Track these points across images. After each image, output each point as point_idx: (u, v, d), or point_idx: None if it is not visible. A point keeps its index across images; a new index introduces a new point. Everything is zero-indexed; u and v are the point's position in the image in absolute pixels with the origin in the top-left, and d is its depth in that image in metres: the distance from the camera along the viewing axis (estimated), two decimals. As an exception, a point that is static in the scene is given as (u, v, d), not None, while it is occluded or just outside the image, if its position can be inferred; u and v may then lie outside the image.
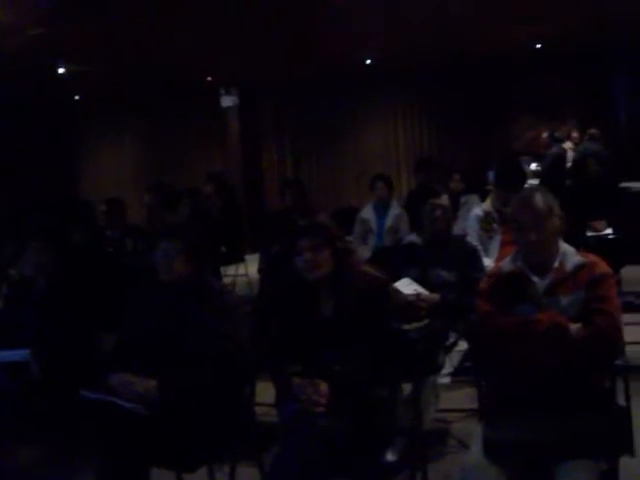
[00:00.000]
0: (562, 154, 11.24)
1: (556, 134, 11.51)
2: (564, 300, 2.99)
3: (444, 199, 4.75)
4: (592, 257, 3.11)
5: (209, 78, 12.72)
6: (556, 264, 3.05)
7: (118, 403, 3.16)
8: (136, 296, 3.85)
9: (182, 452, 3.18)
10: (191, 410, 3.21)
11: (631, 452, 3.99)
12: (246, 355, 3.42)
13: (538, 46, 11.67)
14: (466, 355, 4.31)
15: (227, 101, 13.31)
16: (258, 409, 3.84)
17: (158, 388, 3.22)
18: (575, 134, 11.84)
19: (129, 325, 3.63)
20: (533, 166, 11.93)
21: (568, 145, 11.63)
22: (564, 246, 3.11)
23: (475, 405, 3.62)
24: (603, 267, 3.07)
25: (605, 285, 3.01)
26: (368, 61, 12.07)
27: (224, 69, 12.03)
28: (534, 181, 10.59)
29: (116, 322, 3.79)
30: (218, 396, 3.29)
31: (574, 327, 2.90)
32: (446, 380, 4.33)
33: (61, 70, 10.25)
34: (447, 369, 4.28)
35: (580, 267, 3.04)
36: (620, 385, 4.03)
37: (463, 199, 7.16)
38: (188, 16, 7.66)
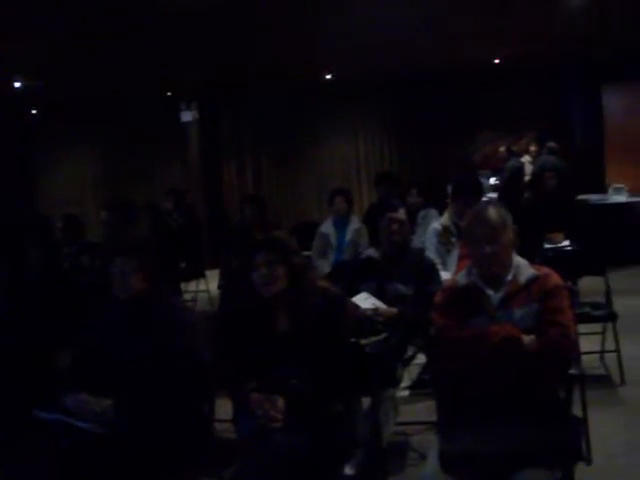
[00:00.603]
0: (519, 167, 11.37)
1: (513, 148, 11.65)
2: (518, 312, 3.03)
3: (401, 213, 4.76)
4: (545, 269, 3.15)
5: (169, 93, 12.68)
6: (510, 277, 3.09)
7: (74, 423, 3.12)
8: (92, 313, 3.81)
9: (140, 471, 3.14)
10: (148, 429, 3.17)
11: (588, 460, 4.07)
12: (204, 372, 3.40)
13: (496, 61, 11.83)
14: (424, 368, 4.32)
15: (187, 116, 13.27)
16: (217, 425, 3.83)
17: (114, 407, 3.19)
18: (533, 148, 11.99)
19: (85, 343, 3.59)
20: (492, 180, 12.07)
21: (526, 159, 11.77)
22: (517, 259, 3.15)
23: (434, 418, 3.64)
24: (556, 279, 3.11)
25: (558, 297, 3.06)
26: (328, 76, 12.12)
27: (184, 84, 12.01)
28: (493, 195, 10.71)
29: (71, 340, 3.74)
30: (175, 414, 3.26)
31: (527, 339, 2.94)
32: (405, 393, 4.34)
33: (17, 84, 10.16)
34: (406, 382, 4.29)
35: (533, 279, 3.08)
36: (577, 395, 4.11)
37: (422, 213, 7.19)
38: (148, 31, 7.63)
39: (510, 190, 10.49)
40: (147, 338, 3.34)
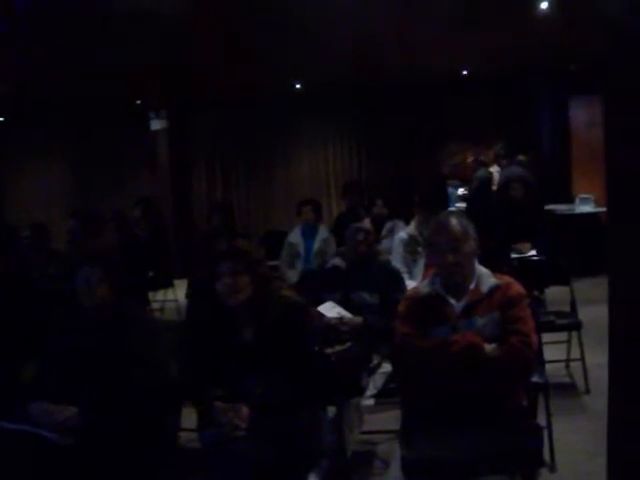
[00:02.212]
0: (489, 178, 11.42)
1: (481, 158, 11.70)
2: (480, 321, 3.06)
3: (366, 222, 4.79)
4: (507, 278, 3.19)
5: (138, 101, 12.63)
6: (472, 286, 3.12)
7: (38, 433, 3.09)
8: (58, 323, 3.78)
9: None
10: (113, 438, 3.15)
11: (552, 468, 4.12)
12: (169, 382, 3.39)
13: (464, 72, 11.92)
14: (390, 377, 4.34)
15: (156, 124, 13.21)
16: (182, 435, 3.81)
17: (79, 416, 3.17)
18: (502, 159, 12.03)
19: (50, 353, 3.57)
20: (460, 191, 12.14)
21: (495, 169, 11.84)
22: (479, 268, 3.19)
23: (399, 426, 3.65)
24: (517, 288, 3.15)
25: (519, 306, 3.10)
26: (298, 86, 12.15)
27: (153, 92, 11.97)
28: (460, 205, 10.78)
29: (37, 350, 3.71)
30: (140, 423, 3.25)
31: (489, 347, 2.97)
32: (370, 402, 4.34)
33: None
34: (371, 391, 4.29)
35: (495, 288, 3.12)
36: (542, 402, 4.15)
37: (389, 225, 7.20)
38: (116, 38, 7.59)
39: (478, 200, 10.54)
40: (113, 348, 3.33)
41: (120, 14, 6.51)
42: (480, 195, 10.83)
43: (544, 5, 7.40)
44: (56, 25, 6.90)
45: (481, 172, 11.34)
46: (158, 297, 9.20)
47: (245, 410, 3.11)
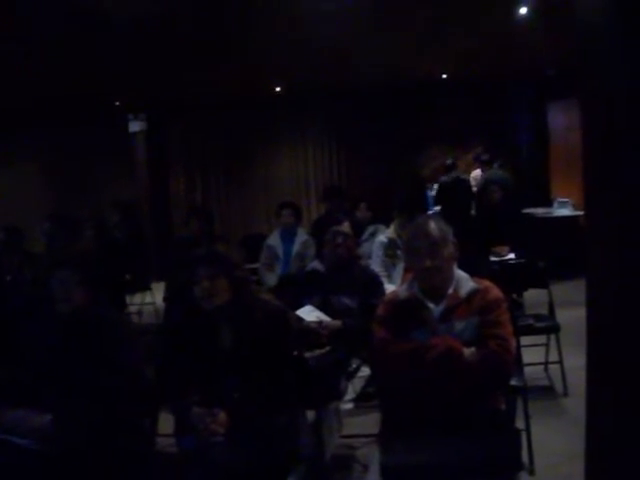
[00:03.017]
0: (447, 182, 11.30)
1: (450, 161, 11.61)
2: (458, 325, 3.05)
3: (346, 226, 4.79)
4: (485, 283, 3.18)
5: (117, 103, 12.55)
6: (450, 290, 3.11)
7: (11, 440, 3.06)
8: (32, 327, 3.75)
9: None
10: (88, 444, 3.12)
11: (530, 471, 4.13)
12: (146, 387, 3.36)
13: (444, 76, 11.96)
14: (369, 381, 4.34)
15: (135, 126, 13.14)
16: (159, 440, 3.78)
17: (53, 423, 3.13)
18: (482, 162, 12.04)
19: (24, 358, 3.53)
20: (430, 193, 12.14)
21: (477, 173, 11.87)
22: (458, 272, 3.18)
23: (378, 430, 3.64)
24: (496, 292, 3.15)
25: (498, 310, 3.09)
26: (278, 89, 12.13)
27: (132, 94, 11.90)
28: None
29: (10, 355, 3.67)
30: (116, 429, 3.22)
31: (468, 351, 2.96)
32: (349, 406, 4.35)
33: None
34: (350, 395, 4.30)
35: (474, 293, 3.11)
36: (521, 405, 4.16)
37: (371, 229, 7.18)
38: (96, 39, 7.54)
39: (444, 204, 10.54)
40: (88, 353, 3.29)
41: (100, 14, 6.46)
42: (441, 200, 10.80)
43: (523, 10, 7.44)
44: (31, 23, 6.83)
45: (443, 177, 11.32)
46: (136, 300, 9.16)
47: (223, 415, 3.10)
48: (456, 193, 10.56)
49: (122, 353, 3.32)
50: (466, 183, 11.17)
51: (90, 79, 9.98)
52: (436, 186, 11.51)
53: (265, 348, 3.20)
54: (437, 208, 10.80)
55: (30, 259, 6.27)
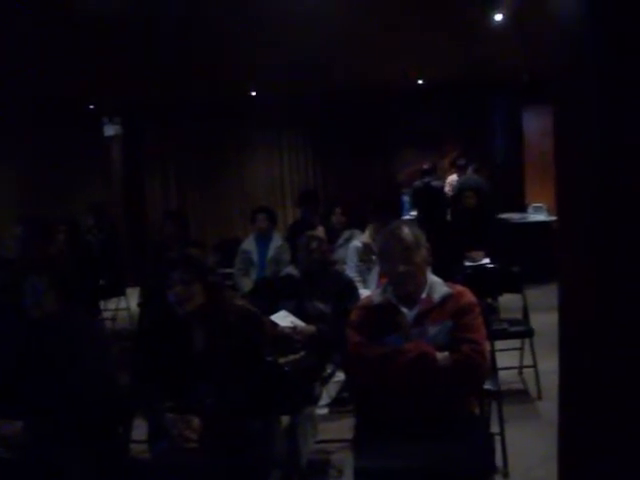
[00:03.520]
0: (420, 188, 11.32)
1: (424, 167, 11.63)
2: (432, 330, 3.07)
3: (320, 231, 4.78)
4: (459, 287, 3.20)
5: (91, 106, 12.47)
6: (424, 295, 3.13)
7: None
8: (2, 333, 3.70)
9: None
10: (60, 452, 3.09)
11: (505, 474, 4.15)
12: (119, 393, 3.34)
13: (420, 82, 12.00)
14: (343, 386, 4.33)
15: (110, 130, 13.05)
16: (133, 446, 3.75)
17: (25, 430, 3.10)
18: (459, 166, 12.08)
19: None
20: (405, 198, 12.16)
21: (453, 178, 11.90)
22: (431, 277, 3.20)
23: (353, 435, 3.64)
24: (469, 297, 3.16)
25: (471, 314, 3.10)
26: (253, 93, 12.12)
27: (107, 98, 11.83)
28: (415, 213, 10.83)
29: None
30: (89, 436, 3.19)
31: (441, 356, 2.97)
32: (324, 411, 4.33)
33: None
34: (324, 400, 4.28)
35: (447, 297, 3.12)
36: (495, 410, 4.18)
37: (346, 233, 7.16)
38: (71, 39, 7.48)
39: (419, 209, 10.56)
40: (60, 359, 3.26)
41: (78, 15, 6.41)
42: (417, 205, 10.82)
43: (499, 17, 7.48)
44: (3, 26, 6.77)
45: (417, 182, 11.34)
46: (110, 305, 9.09)
47: (196, 421, 3.08)
48: (428, 198, 10.59)
49: (94, 359, 3.29)
50: (435, 189, 11.15)
51: (64, 82, 9.92)
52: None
53: (239, 353, 3.19)
54: (413, 213, 10.83)
55: (1, 264, 6.19)
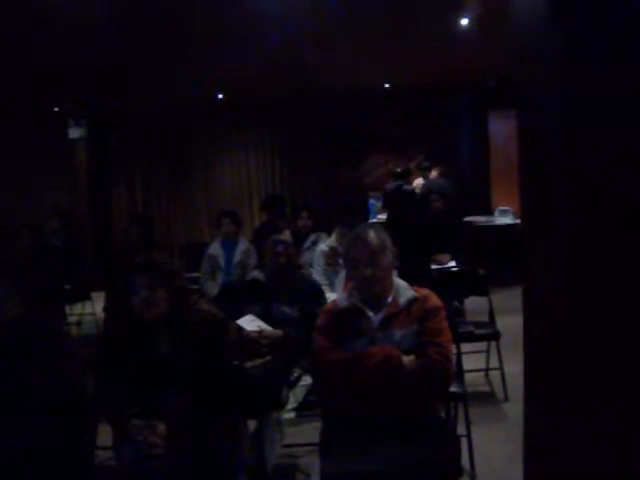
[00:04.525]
0: (391, 190, 11.36)
1: (397, 170, 11.67)
2: (398, 333, 3.07)
3: (286, 234, 4.77)
4: (424, 291, 3.21)
5: (56, 108, 12.34)
6: (390, 299, 3.13)
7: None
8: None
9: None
10: (23, 459, 3.04)
11: (472, 475, 4.17)
12: (83, 399, 3.30)
13: (386, 85, 12.04)
14: (310, 390, 4.32)
15: (75, 132, 12.92)
16: (98, 453, 3.71)
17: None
18: (425, 171, 12.12)
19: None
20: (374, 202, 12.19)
21: (418, 182, 11.94)
22: (397, 280, 3.20)
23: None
24: (435, 300, 3.17)
25: (437, 318, 3.12)
26: (220, 95, 12.08)
27: (73, 100, 11.72)
28: (382, 216, 10.87)
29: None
30: (53, 442, 3.14)
31: (407, 359, 2.98)
32: (291, 415, 4.32)
33: None
34: (291, 404, 4.27)
35: (413, 301, 3.13)
36: (461, 412, 4.20)
37: (313, 237, 7.17)
38: (36, 39, 7.40)
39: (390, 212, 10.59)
40: (22, 366, 3.21)
41: (45, 14, 6.35)
42: (388, 208, 10.86)
43: (464, 21, 7.53)
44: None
45: (389, 185, 11.38)
46: (76, 310, 9.00)
47: (162, 427, 3.05)
48: (399, 201, 10.62)
49: (58, 364, 3.25)
50: (407, 192, 11.20)
51: (30, 83, 9.81)
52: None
53: (205, 358, 3.16)
54: (380, 217, 10.86)
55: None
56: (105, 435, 3.42)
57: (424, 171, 11.70)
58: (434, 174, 11.37)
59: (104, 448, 3.71)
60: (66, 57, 8.24)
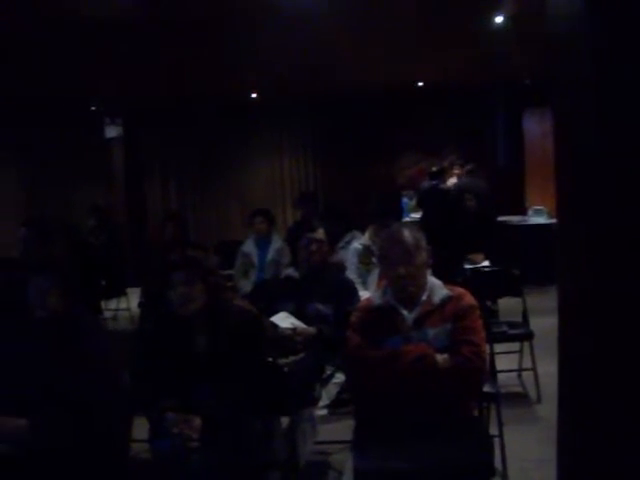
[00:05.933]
0: (427, 189, 11.29)
1: (434, 169, 11.61)
2: (432, 332, 3.08)
3: (320, 233, 4.78)
4: (458, 290, 3.21)
5: (93, 108, 12.48)
6: (424, 297, 3.14)
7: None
8: (6, 332, 3.71)
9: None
10: (63, 450, 3.10)
11: (504, 476, 4.16)
12: (121, 393, 3.35)
13: (420, 84, 12.01)
14: (343, 387, 4.34)
15: (112, 132, 13.04)
16: (134, 446, 3.76)
17: (30, 427, 3.11)
18: (457, 170, 12.07)
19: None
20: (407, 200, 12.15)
21: (451, 181, 11.86)
22: (431, 279, 3.21)
23: (353, 436, 3.65)
24: (469, 299, 3.17)
25: (471, 317, 3.12)
26: (254, 95, 12.13)
27: (109, 99, 11.84)
28: (415, 215, 10.82)
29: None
30: (91, 435, 3.19)
31: (441, 358, 2.99)
32: (323, 412, 4.34)
33: None
34: (324, 401, 4.29)
35: (447, 300, 3.14)
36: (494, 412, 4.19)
37: (348, 236, 7.17)
38: (74, 39, 7.49)
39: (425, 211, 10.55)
40: (65, 358, 3.27)
41: (80, 15, 6.43)
42: (423, 207, 10.81)
43: (499, 20, 7.50)
44: (6, 25, 6.77)
45: (424, 184, 11.32)
46: (111, 305, 9.11)
47: (197, 421, 3.10)
48: (433, 200, 10.57)
49: (99, 359, 3.31)
50: (442, 191, 11.15)
51: (66, 83, 9.93)
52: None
53: (239, 354, 3.21)
54: (413, 215, 10.82)
55: (6, 265, 6.19)
56: (141, 428, 3.48)
57: (458, 170, 11.63)
58: (468, 173, 11.29)
59: (140, 441, 3.76)
60: (102, 56, 8.32)
